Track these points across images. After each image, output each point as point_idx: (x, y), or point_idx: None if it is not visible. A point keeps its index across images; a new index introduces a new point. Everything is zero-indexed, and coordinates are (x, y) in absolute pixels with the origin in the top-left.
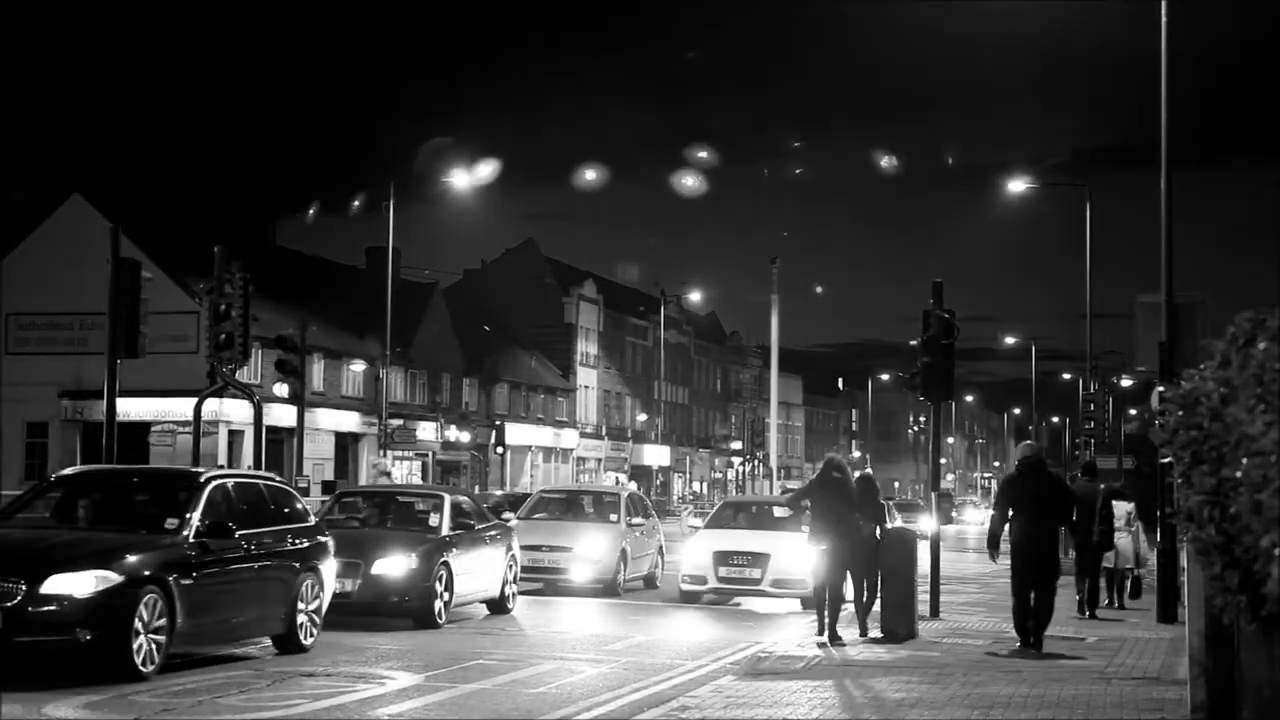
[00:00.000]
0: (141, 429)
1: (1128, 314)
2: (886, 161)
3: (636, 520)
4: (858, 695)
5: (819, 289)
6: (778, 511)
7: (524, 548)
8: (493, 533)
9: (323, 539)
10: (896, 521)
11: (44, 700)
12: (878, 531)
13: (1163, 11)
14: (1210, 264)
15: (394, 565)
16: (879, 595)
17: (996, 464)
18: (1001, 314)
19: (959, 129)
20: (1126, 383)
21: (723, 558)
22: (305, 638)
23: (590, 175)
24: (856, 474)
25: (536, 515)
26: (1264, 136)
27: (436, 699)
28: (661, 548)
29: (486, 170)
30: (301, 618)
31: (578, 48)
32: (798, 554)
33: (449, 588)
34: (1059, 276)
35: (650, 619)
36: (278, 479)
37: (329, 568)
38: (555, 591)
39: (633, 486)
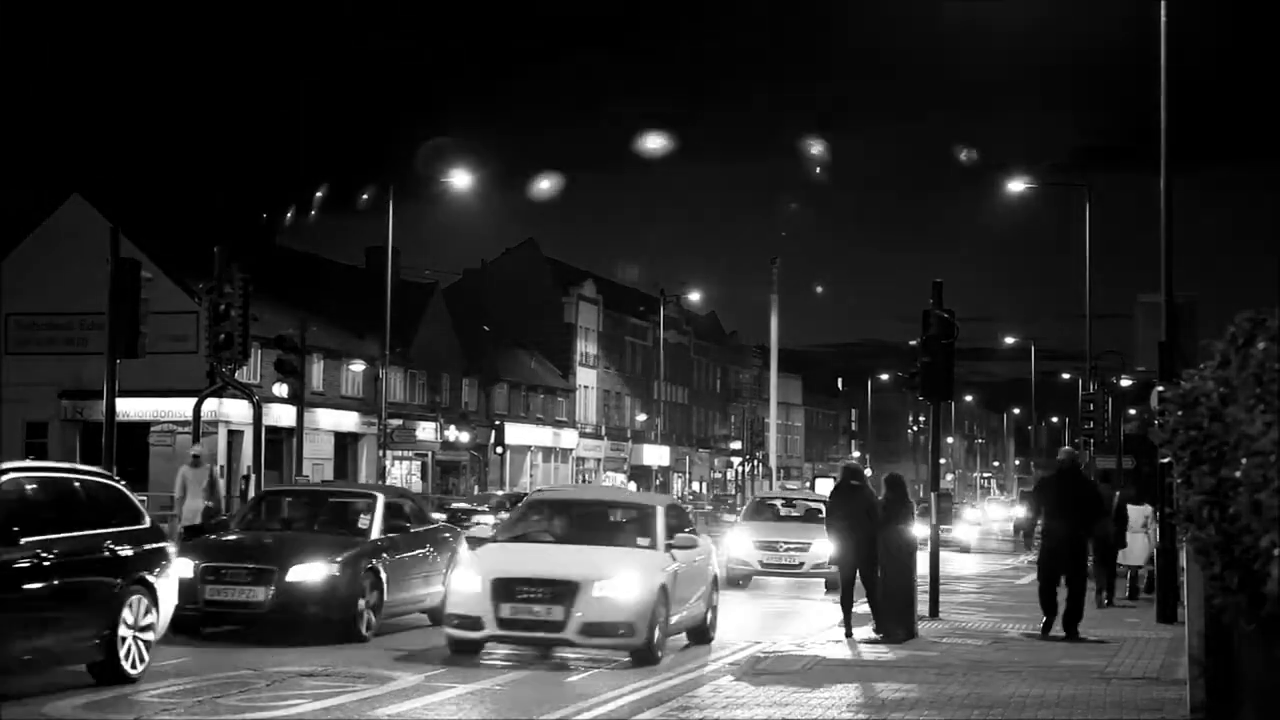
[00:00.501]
0: (141, 429)
1: (1128, 314)
2: (966, 155)
3: None
4: (857, 695)
5: (819, 289)
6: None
7: None
8: (442, 535)
9: (158, 545)
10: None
11: (44, 700)
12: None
13: (1162, 11)
14: (1210, 264)
15: (312, 572)
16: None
17: (996, 464)
18: (1001, 314)
19: (958, 128)
20: (1126, 383)
21: (506, 589)
22: (132, 665)
23: (545, 185)
24: (885, 475)
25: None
26: (1264, 136)
27: (436, 699)
28: None
29: (547, 184)
30: (126, 641)
31: (578, 46)
32: (629, 583)
33: (378, 596)
34: (1059, 276)
35: None
36: (104, 474)
37: (168, 580)
38: None
39: (632, 487)
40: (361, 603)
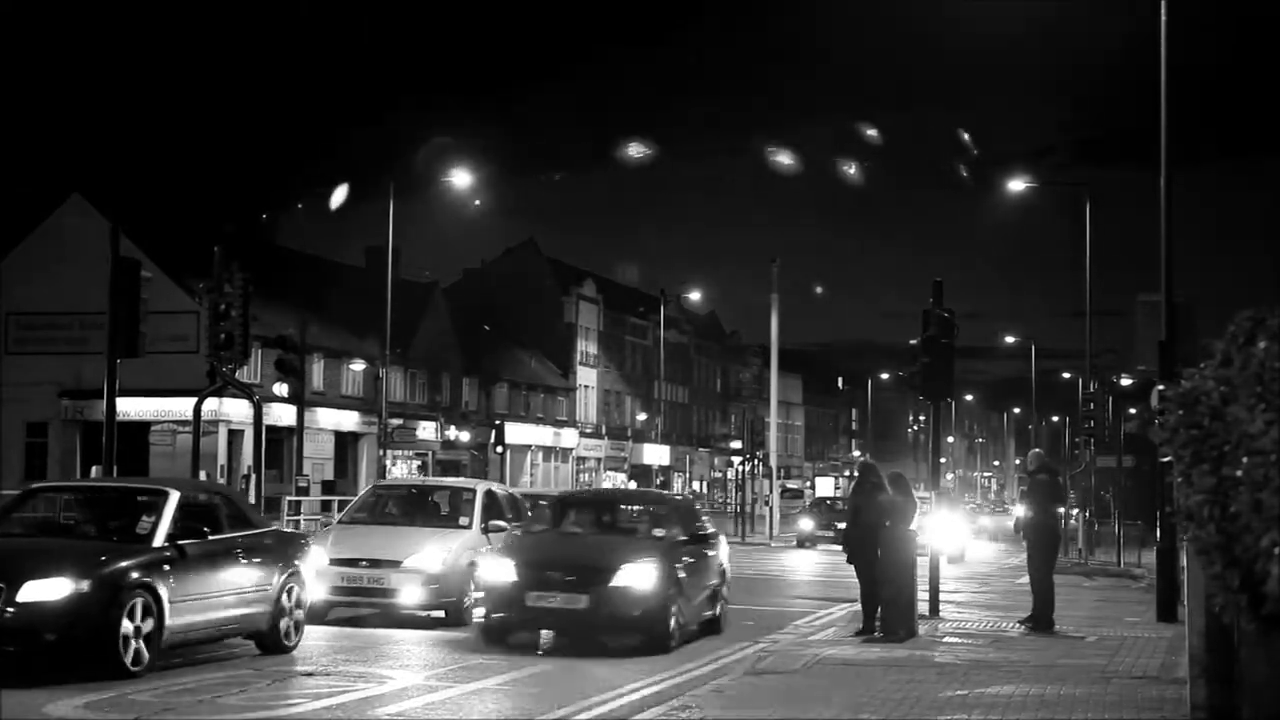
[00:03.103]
0: (141, 429)
1: (1128, 313)
2: (967, 141)
3: (499, 524)
4: (858, 695)
5: (819, 289)
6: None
7: (336, 561)
8: (266, 540)
9: None
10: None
11: (44, 700)
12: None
13: (1162, 11)
14: (1211, 264)
15: (50, 589)
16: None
17: (996, 463)
18: (1000, 313)
19: (957, 126)
20: (1126, 382)
21: None
22: None
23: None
24: (887, 473)
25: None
26: (1266, 133)
27: (436, 698)
28: None
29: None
30: None
31: (577, 44)
32: None
33: (154, 622)
34: (1059, 276)
35: None
36: None
37: None
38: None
39: (632, 486)
40: (127, 627)
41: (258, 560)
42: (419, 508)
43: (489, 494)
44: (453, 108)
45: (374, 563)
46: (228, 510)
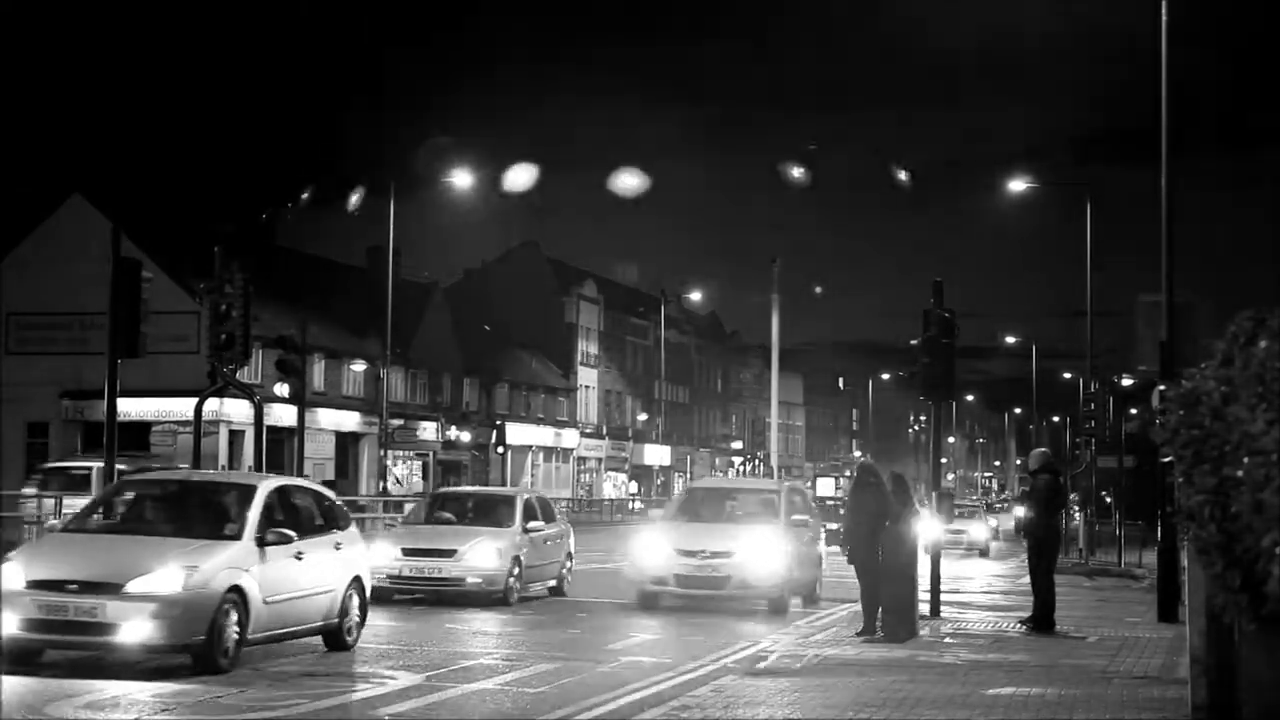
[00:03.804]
0: (142, 429)
1: (1128, 313)
2: (902, 174)
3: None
4: (858, 695)
5: (819, 289)
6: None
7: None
8: None
9: None
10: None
11: (45, 700)
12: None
13: (1163, 11)
14: (1211, 263)
15: None
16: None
17: (997, 463)
18: (1000, 313)
19: (958, 124)
20: (1127, 382)
21: None
22: None
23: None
24: (886, 474)
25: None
26: (1266, 133)
27: (438, 699)
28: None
29: (524, 176)
30: None
31: (577, 44)
32: None
33: None
34: (1059, 275)
35: (651, 619)
36: None
37: None
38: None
39: (634, 486)
40: None
41: None
42: (177, 511)
43: (276, 494)
44: (453, 106)
45: (86, 586)
46: None
